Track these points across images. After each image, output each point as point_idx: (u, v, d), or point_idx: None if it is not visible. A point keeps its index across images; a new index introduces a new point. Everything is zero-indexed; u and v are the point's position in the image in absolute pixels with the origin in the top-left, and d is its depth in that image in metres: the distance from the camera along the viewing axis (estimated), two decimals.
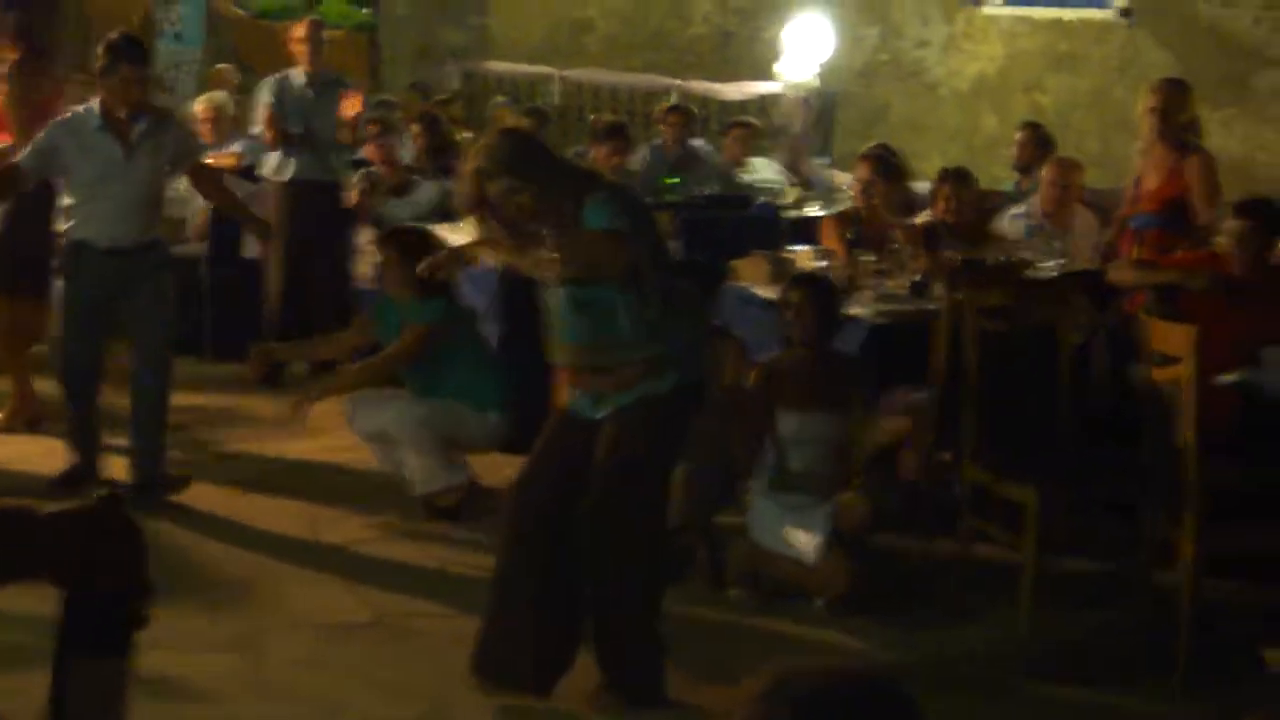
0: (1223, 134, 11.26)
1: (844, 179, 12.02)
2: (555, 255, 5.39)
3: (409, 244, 8.03)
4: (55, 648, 2.50)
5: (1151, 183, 8.68)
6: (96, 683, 2.47)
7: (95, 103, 7.85)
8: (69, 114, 8.03)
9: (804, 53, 14.22)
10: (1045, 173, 9.50)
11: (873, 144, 10.30)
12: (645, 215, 5.67)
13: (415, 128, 12.06)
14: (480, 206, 5.48)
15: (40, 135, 7.89)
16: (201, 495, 7.74)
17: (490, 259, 5.92)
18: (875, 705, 2.08)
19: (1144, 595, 6.65)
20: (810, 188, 12.39)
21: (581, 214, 5.39)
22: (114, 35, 8.03)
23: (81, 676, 2.46)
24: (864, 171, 9.09)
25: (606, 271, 5.40)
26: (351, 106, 10.71)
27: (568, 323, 5.55)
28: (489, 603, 5.76)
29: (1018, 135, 11.23)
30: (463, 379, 7.86)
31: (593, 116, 14.02)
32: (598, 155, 11.16)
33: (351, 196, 10.72)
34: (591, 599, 5.61)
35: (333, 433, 8.67)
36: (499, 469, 8.20)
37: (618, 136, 11.31)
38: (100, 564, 2.46)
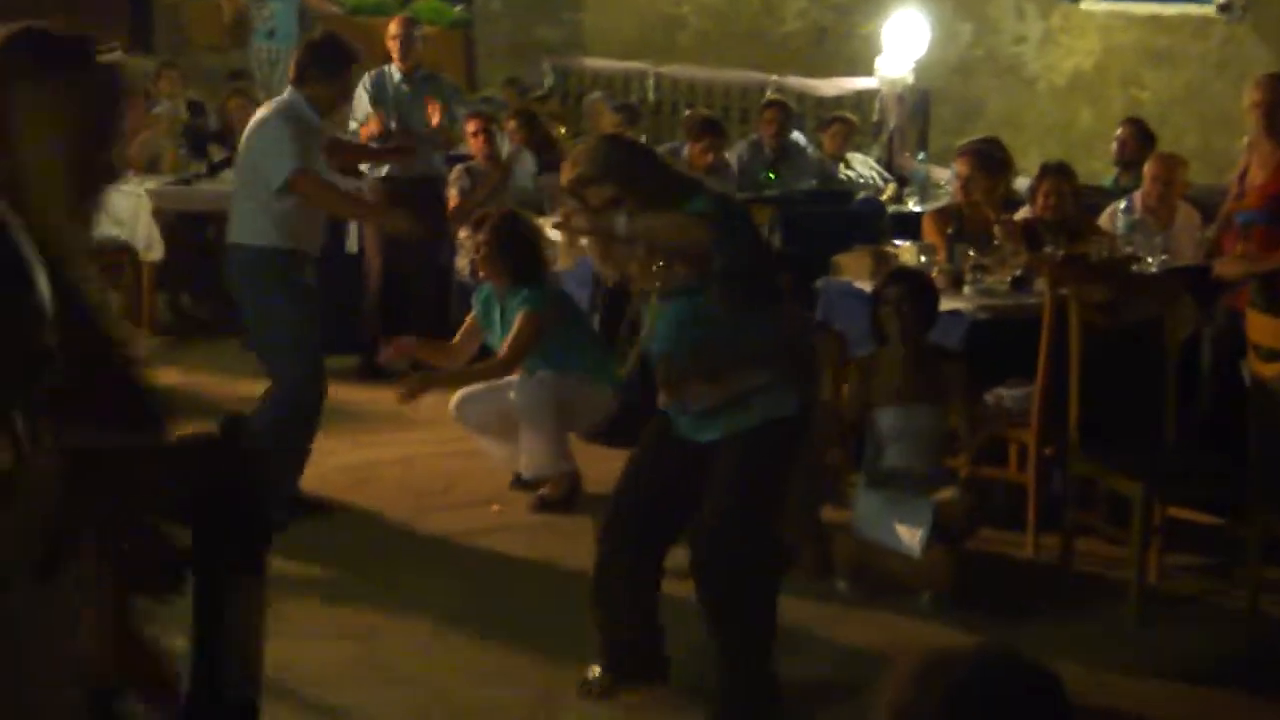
0: None
1: (941, 174, 12.01)
2: (629, 233, 5.19)
3: (502, 230, 8.08)
4: (193, 573, 2.53)
5: (1257, 179, 8.60)
6: (235, 604, 2.50)
7: (296, 101, 7.61)
8: (286, 109, 7.64)
9: (899, 48, 14.21)
10: (1148, 168, 9.44)
11: (975, 138, 10.27)
12: (746, 222, 5.49)
13: (512, 124, 12.11)
14: (577, 214, 5.28)
15: (289, 128, 7.50)
16: (309, 488, 7.80)
17: (567, 264, 5.81)
18: (1026, 691, 2.10)
19: (1252, 591, 6.62)
20: (906, 183, 12.38)
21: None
22: (334, 37, 7.94)
23: (219, 598, 2.50)
24: (963, 167, 9.04)
25: (682, 245, 5.19)
26: (434, 115, 10.71)
27: (662, 334, 5.35)
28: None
29: (1119, 131, 11.20)
30: (576, 354, 7.96)
31: (688, 112, 14.03)
32: (692, 151, 11.19)
33: (451, 197, 10.76)
34: (710, 629, 5.47)
35: (437, 425, 8.75)
36: (603, 462, 8.27)
37: (712, 132, 11.34)
38: (218, 492, 2.48)
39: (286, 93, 7.70)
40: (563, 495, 7.92)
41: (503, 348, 7.93)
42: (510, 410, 7.94)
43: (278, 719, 5.49)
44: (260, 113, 7.75)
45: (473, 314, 8.29)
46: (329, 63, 7.68)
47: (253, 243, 7.51)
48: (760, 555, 5.41)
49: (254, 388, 8.16)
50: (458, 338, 8.33)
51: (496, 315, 8.12)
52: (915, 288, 7.10)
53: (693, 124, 11.86)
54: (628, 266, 5.33)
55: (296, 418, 7.50)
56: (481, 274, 8.20)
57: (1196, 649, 6.42)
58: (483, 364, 8.09)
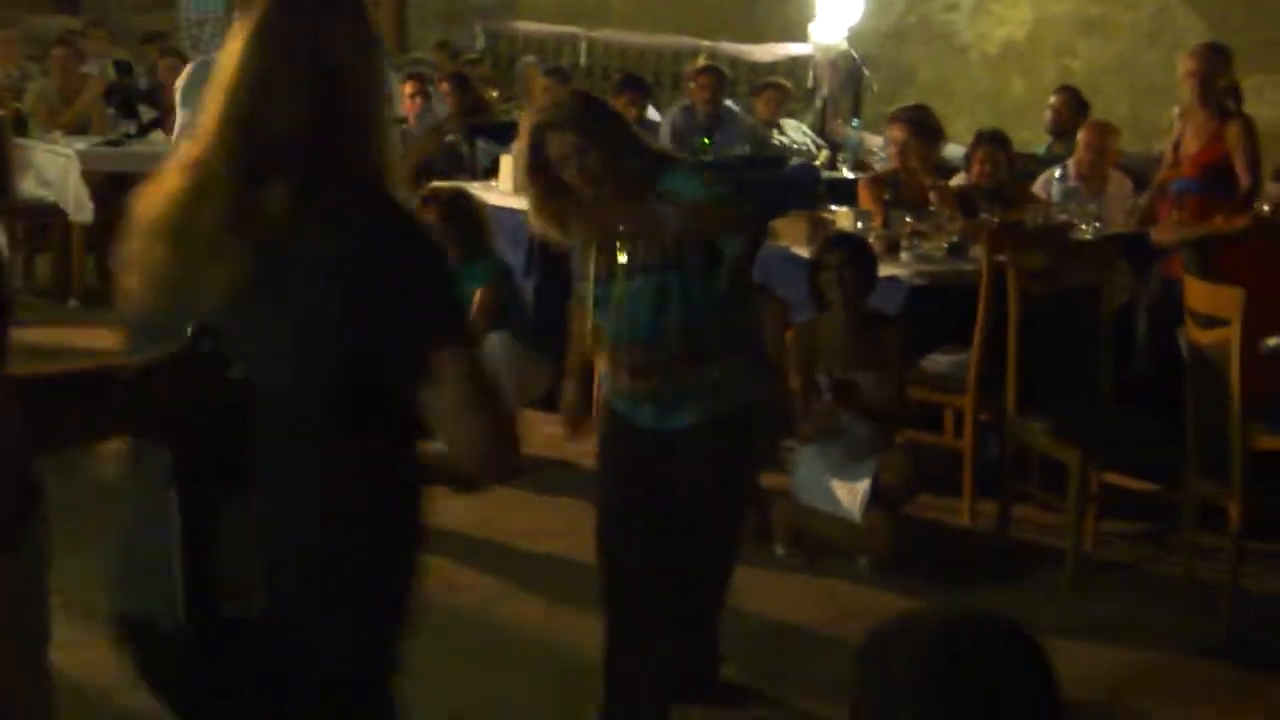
0: (1254, 100, 11.14)
1: (874, 141, 12.00)
2: (662, 222, 4.78)
3: (450, 208, 8.04)
4: (176, 491, 2.46)
5: (1191, 148, 8.66)
6: (222, 518, 2.44)
7: None
8: None
9: (833, 15, 14.19)
10: (1082, 135, 9.48)
11: (905, 105, 10.28)
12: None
13: (445, 87, 12.04)
14: (535, 168, 4.92)
15: None
16: None
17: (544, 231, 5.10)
18: (1000, 652, 2.10)
19: (1187, 558, 6.66)
20: (839, 149, 12.36)
21: (661, 187, 4.82)
22: None
23: (205, 514, 2.44)
24: (899, 133, 9.04)
25: (718, 230, 4.88)
26: None
27: (638, 315, 4.95)
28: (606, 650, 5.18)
29: (1053, 99, 11.23)
30: (520, 328, 7.94)
31: (619, 76, 13.96)
32: (615, 106, 11.13)
33: None
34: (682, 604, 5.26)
35: None
36: (536, 428, 8.26)
37: (635, 88, 11.33)
38: (192, 404, 2.43)
39: None
40: None
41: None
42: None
43: None
44: None
45: None
46: None
47: None
48: (737, 537, 5.36)
49: None
50: None
51: None
52: (855, 253, 7.09)
53: (617, 82, 11.85)
54: (600, 241, 5.00)
55: None
56: None
57: (1132, 615, 6.46)
58: None
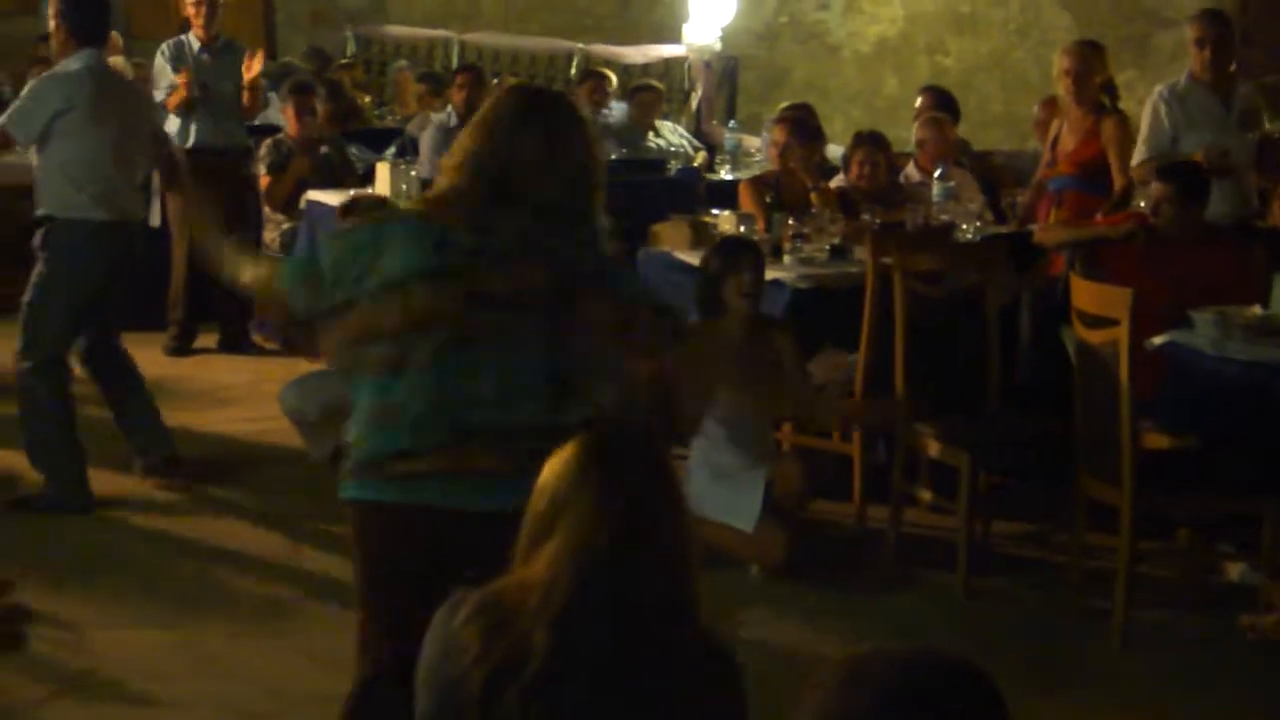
0: (1124, 96, 11.28)
1: (752, 142, 11.98)
2: None
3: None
4: None
5: (1068, 145, 8.69)
6: None
7: None
8: None
9: (705, 15, 14.17)
10: (916, 133, 9.54)
11: (785, 105, 10.29)
12: None
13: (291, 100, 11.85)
14: None
15: None
16: (119, 472, 7.57)
17: None
18: (962, 691, 2.04)
19: (1077, 558, 6.65)
20: (715, 151, 12.33)
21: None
22: None
23: None
24: (780, 134, 9.04)
25: None
26: (250, 69, 10.49)
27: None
28: None
29: (919, 100, 11.22)
30: None
31: (495, 81, 13.84)
32: (455, 98, 11.11)
33: (262, 179, 10.53)
34: None
35: (250, 402, 8.59)
36: None
37: (468, 71, 11.42)
38: None
39: (100, 59, 7.36)
40: None
41: None
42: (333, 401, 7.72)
43: (100, 713, 5.36)
44: (125, 81, 7.35)
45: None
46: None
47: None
48: None
49: None
50: None
51: None
52: (759, 259, 7.01)
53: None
54: None
55: None
56: None
57: (1025, 617, 6.46)
58: None
